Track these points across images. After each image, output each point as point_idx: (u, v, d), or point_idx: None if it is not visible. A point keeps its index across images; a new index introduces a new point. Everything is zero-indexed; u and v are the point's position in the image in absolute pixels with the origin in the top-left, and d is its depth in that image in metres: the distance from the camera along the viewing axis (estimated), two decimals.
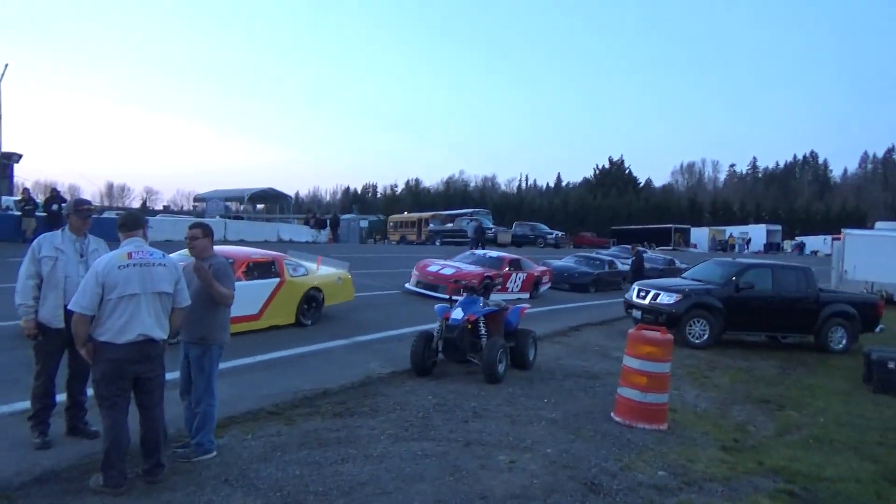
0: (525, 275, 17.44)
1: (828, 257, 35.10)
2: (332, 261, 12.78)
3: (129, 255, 4.39)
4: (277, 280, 10.32)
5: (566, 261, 22.67)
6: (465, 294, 9.00)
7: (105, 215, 27.41)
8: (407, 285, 16.50)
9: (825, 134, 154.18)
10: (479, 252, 19.12)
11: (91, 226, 5.38)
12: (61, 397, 5.33)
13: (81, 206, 5.33)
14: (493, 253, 19.31)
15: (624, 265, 22.94)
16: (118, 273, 4.28)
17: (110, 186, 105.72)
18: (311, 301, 11.05)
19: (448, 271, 16.00)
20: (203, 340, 5.04)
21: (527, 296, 17.09)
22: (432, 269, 16.45)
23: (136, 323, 4.30)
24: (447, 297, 13.36)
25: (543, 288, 18.42)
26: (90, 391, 4.72)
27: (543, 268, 18.95)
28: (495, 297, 12.33)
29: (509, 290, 16.61)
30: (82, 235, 5.27)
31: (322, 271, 12.07)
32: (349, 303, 13.17)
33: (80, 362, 4.81)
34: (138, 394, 4.48)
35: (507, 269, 17.03)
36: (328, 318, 11.72)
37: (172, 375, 5.36)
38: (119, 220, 4.70)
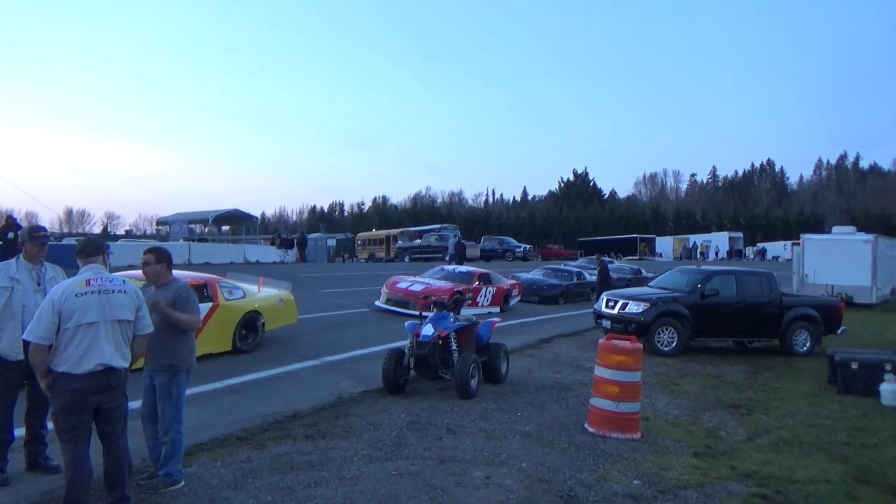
0: (495, 289, 17.50)
1: (788, 262, 35.94)
2: (275, 282, 12.28)
3: (88, 283, 4.25)
4: (210, 305, 9.63)
5: (534, 273, 22.79)
6: (434, 310, 8.95)
7: (64, 242, 26.77)
8: (376, 303, 16.39)
9: (781, 142, 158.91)
10: (449, 268, 19.17)
11: (48, 253, 5.23)
12: (19, 432, 5.15)
13: (37, 234, 5.17)
14: (463, 268, 19.41)
15: (592, 276, 23.14)
16: (75, 301, 4.14)
17: (69, 212, 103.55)
18: (250, 325, 10.43)
19: (417, 287, 15.98)
20: (171, 367, 4.91)
21: (497, 310, 17.07)
22: (402, 285, 16.40)
23: (95, 352, 4.15)
24: (417, 313, 13.34)
25: (513, 301, 18.46)
26: (50, 424, 4.56)
27: (513, 281, 19.03)
28: (466, 312, 12.31)
29: (479, 304, 16.65)
30: (38, 263, 5.11)
31: (262, 293, 11.45)
32: (319, 322, 13.05)
33: (38, 394, 4.63)
34: (100, 425, 4.32)
35: (476, 283, 17.04)
36: (296, 340, 11.56)
37: (134, 404, 5.21)
38: (77, 247, 4.54)
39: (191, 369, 5.12)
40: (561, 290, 20.88)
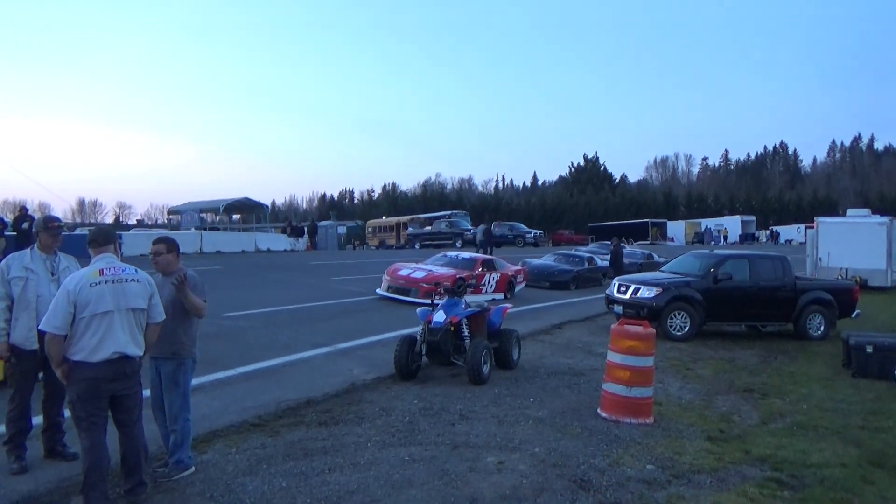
0: (499, 275, 17.16)
1: (802, 246, 35.65)
2: None
3: (101, 272, 4.28)
4: None
5: (545, 259, 22.65)
6: (444, 296, 8.95)
7: (77, 232, 26.98)
8: (378, 290, 16.17)
9: (794, 124, 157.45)
10: (451, 254, 18.81)
11: (61, 243, 5.26)
12: (37, 420, 5.21)
13: (51, 224, 5.20)
14: (466, 254, 18.95)
15: (603, 261, 23.13)
16: (90, 291, 4.17)
17: (81, 202, 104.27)
18: None
19: (419, 274, 15.74)
20: (176, 355, 4.94)
21: (501, 296, 16.75)
22: (403, 272, 16.13)
23: (111, 340, 4.19)
24: (419, 300, 13.07)
25: (518, 287, 18.17)
26: (67, 412, 4.61)
27: (517, 267, 18.79)
28: (470, 299, 12.24)
29: (483, 291, 16.30)
30: (52, 253, 5.15)
31: None
32: (330, 310, 13.11)
33: (55, 383, 4.68)
34: (116, 412, 4.37)
35: (480, 269, 16.74)
36: (308, 327, 11.61)
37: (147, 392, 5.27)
38: (89, 236, 4.57)
39: (196, 358, 5.14)
40: (572, 276, 20.79)
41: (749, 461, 5.82)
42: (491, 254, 31.36)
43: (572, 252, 24.80)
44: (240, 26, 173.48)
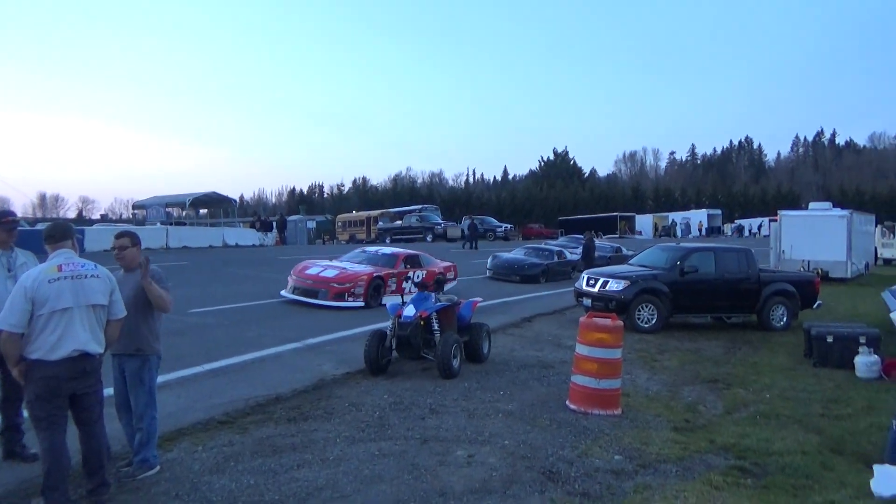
0: (425, 272, 15.47)
1: (766, 238, 36.40)
2: None
3: (60, 268, 4.18)
4: None
5: (516, 253, 22.65)
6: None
7: (38, 227, 26.29)
8: (283, 292, 14.12)
9: (759, 120, 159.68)
10: (371, 249, 17.15)
11: (19, 238, 5.12)
12: None
13: (5, 219, 5.06)
14: (387, 249, 17.34)
15: (573, 255, 23.33)
16: (48, 287, 4.06)
17: (42, 197, 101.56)
18: None
19: (330, 273, 13.94)
20: (140, 352, 4.85)
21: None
22: (312, 271, 14.15)
23: (70, 338, 4.09)
24: (329, 303, 12.40)
25: (449, 286, 15.84)
26: (26, 413, 4.49)
27: (448, 263, 17.60)
28: (388, 299, 11.85)
29: (406, 291, 14.28)
30: (8, 249, 5.01)
31: None
32: (300, 305, 12.92)
33: (12, 383, 4.55)
34: (77, 411, 4.27)
35: (402, 266, 15.21)
36: (277, 322, 11.50)
37: (109, 391, 5.16)
38: (45, 232, 4.44)
39: (160, 354, 5.06)
40: (542, 269, 20.83)
41: (714, 450, 5.93)
42: (476, 248, 31.56)
43: (542, 246, 24.90)
44: (205, 18, 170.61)
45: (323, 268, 14.31)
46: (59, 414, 4.14)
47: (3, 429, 5.06)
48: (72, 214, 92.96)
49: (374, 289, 12.44)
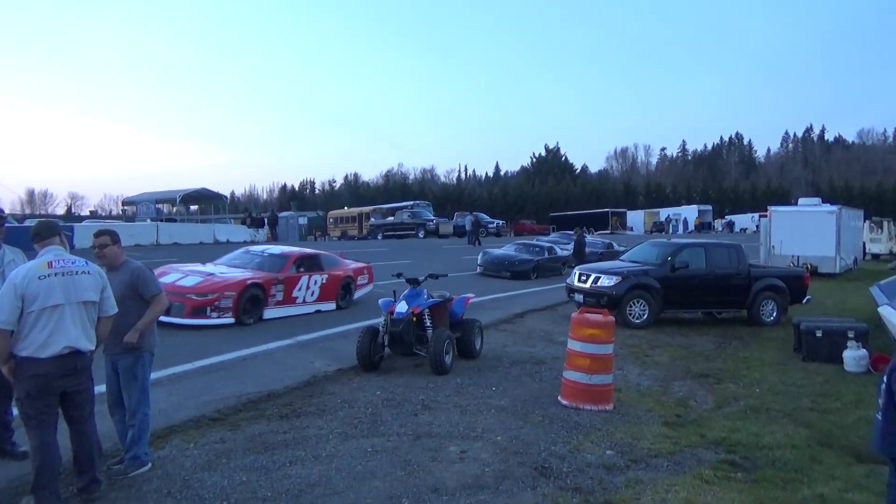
0: (326, 277, 12.83)
1: (756, 234, 36.61)
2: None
3: (50, 265, 4.15)
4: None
5: (506, 249, 22.52)
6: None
7: (26, 224, 26.09)
8: None
9: (749, 116, 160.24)
10: (256, 249, 13.79)
11: (6, 235, 5.08)
12: None
13: None
14: (276, 249, 13.73)
15: (563, 251, 23.38)
16: (39, 284, 4.04)
17: (31, 193, 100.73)
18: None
19: (190, 281, 10.90)
20: (134, 349, 4.82)
21: (332, 306, 12.87)
22: (169, 279, 10.87)
23: (61, 335, 4.07)
24: (184, 321, 10.12)
25: (361, 292, 14.21)
26: (16, 410, 4.46)
27: (360, 265, 14.86)
28: (273, 313, 11.20)
29: (298, 300, 12.06)
30: None
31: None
32: None
33: (3, 381, 4.51)
34: (67, 409, 4.25)
35: (292, 270, 12.17)
36: (269, 319, 11.45)
37: (100, 388, 5.13)
38: (32, 230, 4.41)
39: (154, 351, 5.04)
40: (532, 265, 20.73)
41: (704, 444, 5.98)
42: (479, 243, 31.64)
43: (533, 242, 24.88)
44: (196, 13, 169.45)
45: (184, 274, 11.29)
46: (49, 412, 4.12)
47: None
48: (61, 211, 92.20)
49: (250, 300, 10.53)
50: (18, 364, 4.04)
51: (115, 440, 5.08)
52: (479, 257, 21.46)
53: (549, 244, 23.79)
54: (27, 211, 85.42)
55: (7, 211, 6.20)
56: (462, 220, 48.17)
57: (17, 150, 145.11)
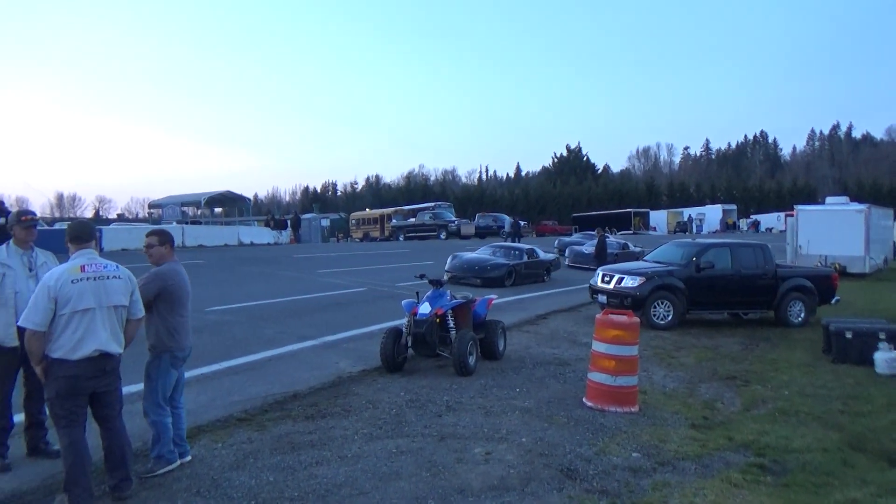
0: None
1: (782, 234, 36.06)
2: None
3: (83, 269, 4.22)
4: None
5: (481, 252, 20.13)
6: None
7: (56, 227, 26.62)
8: None
9: (774, 113, 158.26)
10: None
11: (38, 238, 5.18)
12: (19, 418, 5.14)
13: (23, 217, 5.11)
14: None
15: (546, 254, 21.63)
16: (71, 287, 4.11)
17: (60, 196, 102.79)
18: None
19: None
20: (152, 348, 4.90)
21: None
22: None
23: (91, 338, 4.14)
24: None
25: None
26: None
27: None
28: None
29: None
30: (29, 248, 5.07)
31: None
32: (316, 303, 12.98)
33: (36, 380, 4.62)
34: (96, 409, 4.33)
35: None
36: (293, 320, 11.55)
37: (136, 388, 5.23)
38: (70, 232, 4.45)
39: (175, 352, 4.98)
40: (507, 270, 18.28)
41: (732, 447, 5.89)
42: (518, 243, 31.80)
43: (510, 244, 22.55)
44: (223, 19, 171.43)
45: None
46: (78, 412, 4.20)
47: (26, 426, 5.13)
48: (89, 214, 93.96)
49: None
50: (50, 365, 4.12)
51: (144, 439, 5.16)
52: (448, 261, 19.13)
53: (529, 247, 21.15)
54: (56, 214, 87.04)
55: (38, 214, 6.34)
56: (485, 221, 48.22)
57: (48, 155, 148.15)
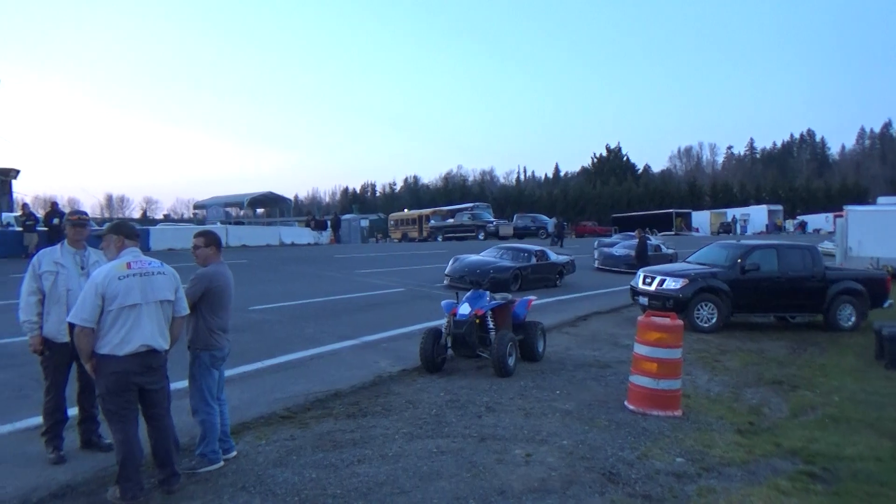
0: None
1: (830, 235, 35.03)
2: None
3: (129, 265, 4.34)
4: None
5: (487, 254, 19.18)
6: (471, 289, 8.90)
7: (105, 227, 27.39)
8: None
9: (821, 111, 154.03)
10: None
11: (89, 237, 5.35)
12: (73, 411, 5.31)
13: (73, 217, 5.30)
14: None
15: (561, 256, 20.67)
16: (118, 284, 4.23)
17: (109, 198, 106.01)
18: None
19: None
20: (191, 347, 4.99)
21: None
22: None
23: (138, 333, 4.25)
24: None
25: None
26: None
27: None
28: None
29: None
30: (81, 247, 5.24)
31: None
32: (355, 303, 13.12)
33: (87, 375, 4.75)
34: (145, 407, 4.44)
35: None
36: (333, 320, 11.68)
37: (183, 384, 5.35)
38: (123, 229, 4.65)
39: (214, 351, 5.02)
40: (512, 274, 17.04)
41: (780, 454, 5.74)
42: (562, 245, 31.96)
43: (519, 246, 20.67)
44: (263, 19, 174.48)
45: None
46: (129, 407, 4.31)
47: (80, 419, 5.30)
48: (136, 214, 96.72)
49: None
50: (98, 361, 4.24)
51: (192, 435, 5.27)
52: (449, 264, 18.08)
53: (539, 249, 19.65)
54: (105, 214, 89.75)
55: (88, 214, 6.53)
56: (523, 222, 48.01)
57: (98, 157, 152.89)
